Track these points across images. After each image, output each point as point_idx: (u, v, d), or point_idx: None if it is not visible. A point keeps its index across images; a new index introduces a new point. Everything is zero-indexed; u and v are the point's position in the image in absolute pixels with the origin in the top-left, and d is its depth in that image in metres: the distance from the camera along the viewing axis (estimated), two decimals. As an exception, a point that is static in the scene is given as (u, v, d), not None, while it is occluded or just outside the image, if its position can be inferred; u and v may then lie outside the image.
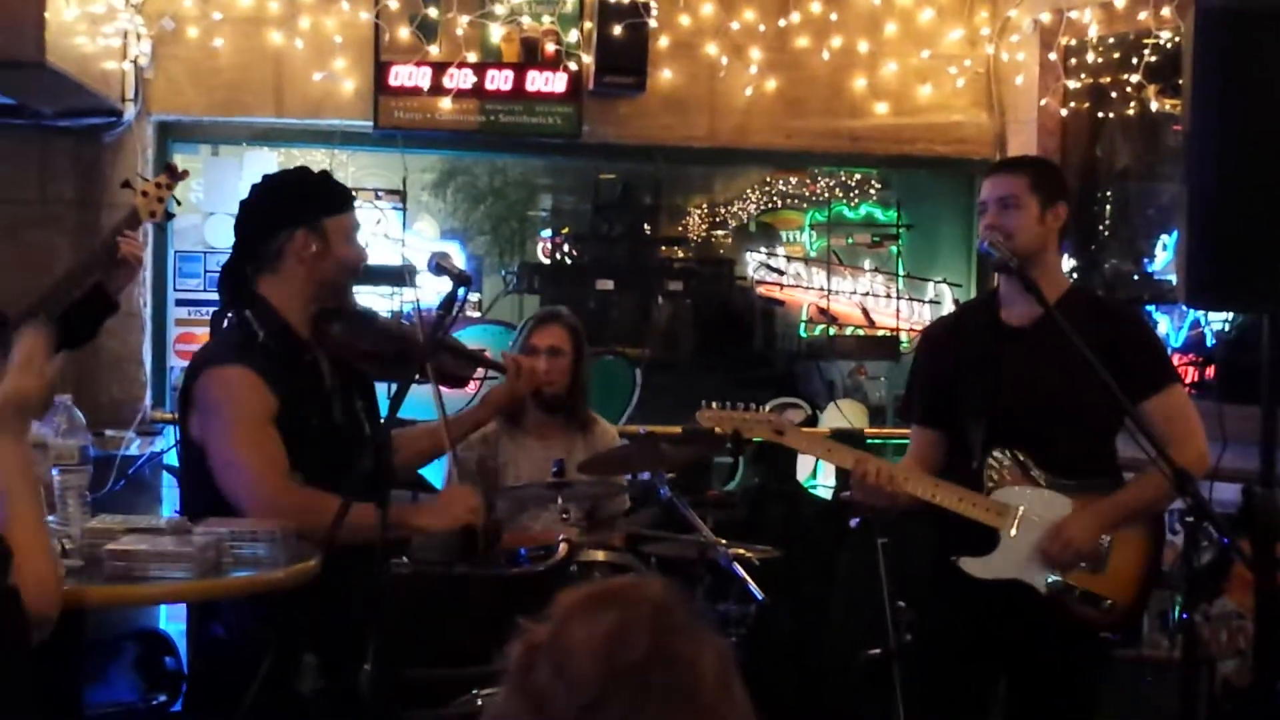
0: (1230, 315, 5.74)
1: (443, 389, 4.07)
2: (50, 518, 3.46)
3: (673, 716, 1.57)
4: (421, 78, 6.27)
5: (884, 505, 3.98)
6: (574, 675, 1.58)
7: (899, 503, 3.92)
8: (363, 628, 3.23)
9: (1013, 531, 3.85)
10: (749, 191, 10.30)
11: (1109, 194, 6.67)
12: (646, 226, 8.11)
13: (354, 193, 4.06)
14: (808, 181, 9.65)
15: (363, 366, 3.97)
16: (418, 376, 3.71)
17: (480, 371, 4.51)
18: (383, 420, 3.50)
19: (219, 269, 3.92)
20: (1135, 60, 6.06)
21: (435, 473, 5.19)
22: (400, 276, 6.55)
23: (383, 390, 3.99)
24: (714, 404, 3.99)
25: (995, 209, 3.90)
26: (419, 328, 4.03)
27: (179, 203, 4.59)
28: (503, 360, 4.42)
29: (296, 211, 3.78)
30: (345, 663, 3.25)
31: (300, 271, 3.76)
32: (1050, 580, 3.84)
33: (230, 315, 3.80)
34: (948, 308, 7.43)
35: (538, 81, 6.34)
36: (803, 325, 8.56)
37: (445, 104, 6.31)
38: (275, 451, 3.61)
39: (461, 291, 3.52)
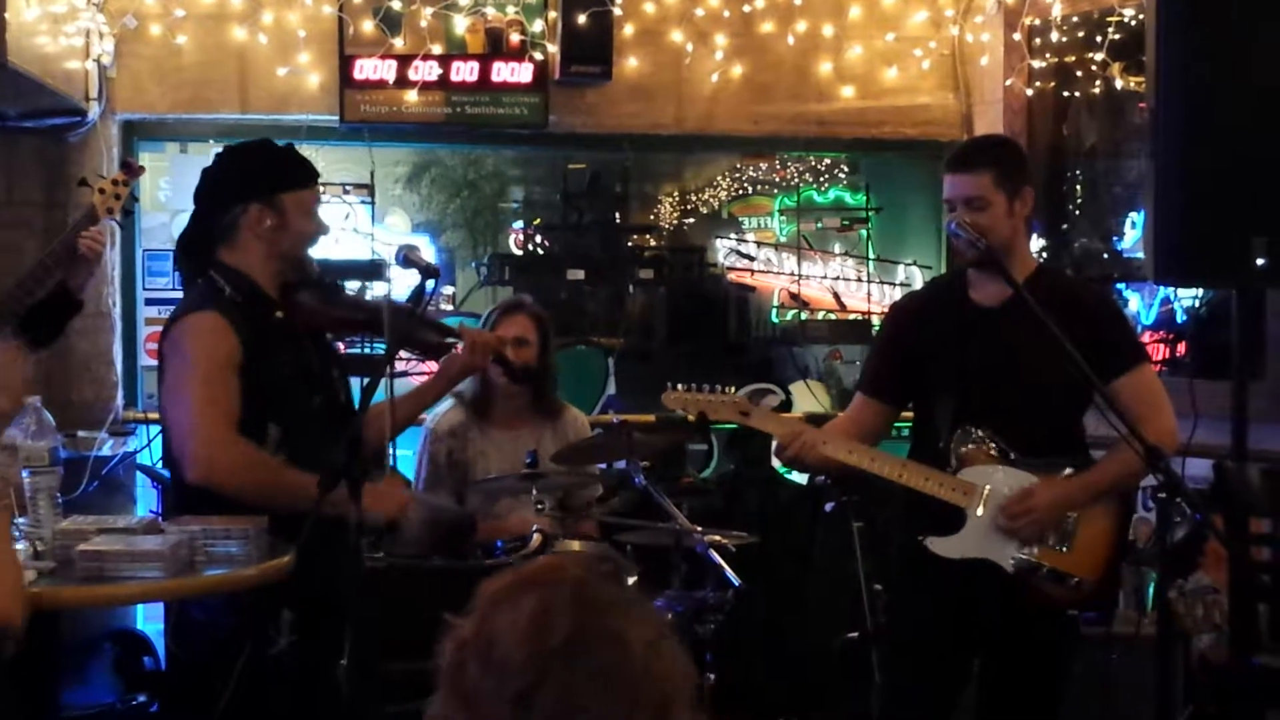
0: (1200, 291, 5.74)
1: (418, 362, 4.06)
2: (21, 519, 3.45)
3: (604, 694, 1.53)
4: (386, 71, 6.24)
5: (814, 467, 4.06)
6: (501, 665, 1.55)
7: (831, 466, 3.95)
8: (336, 600, 3.22)
9: (979, 510, 3.83)
10: (719, 178, 10.29)
11: (1077, 173, 6.68)
12: (617, 215, 8.08)
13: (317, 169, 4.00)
14: (776, 167, 9.65)
15: (335, 332, 3.97)
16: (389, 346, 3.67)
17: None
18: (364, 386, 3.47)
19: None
20: (1099, 38, 6.07)
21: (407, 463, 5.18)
22: (370, 271, 6.53)
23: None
24: (679, 386, 3.98)
25: (963, 211, 3.85)
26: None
27: (137, 199, 4.56)
28: (459, 330, 4.32)
29: (252, 186, 3.78)
30: (319, 624, 3.25)
31: (257, 246, 3.77)
32: (1017, 558, 3.82)
33: (199, 280, 3.79)
34: (918, 290, 7.43)
35: (503, 72, 6.33)
36: (774, 311, 8.55)
37: (411, 96, 6.29)
38: (228, 400, 3.58)
39: (430, 284, 3.52)
